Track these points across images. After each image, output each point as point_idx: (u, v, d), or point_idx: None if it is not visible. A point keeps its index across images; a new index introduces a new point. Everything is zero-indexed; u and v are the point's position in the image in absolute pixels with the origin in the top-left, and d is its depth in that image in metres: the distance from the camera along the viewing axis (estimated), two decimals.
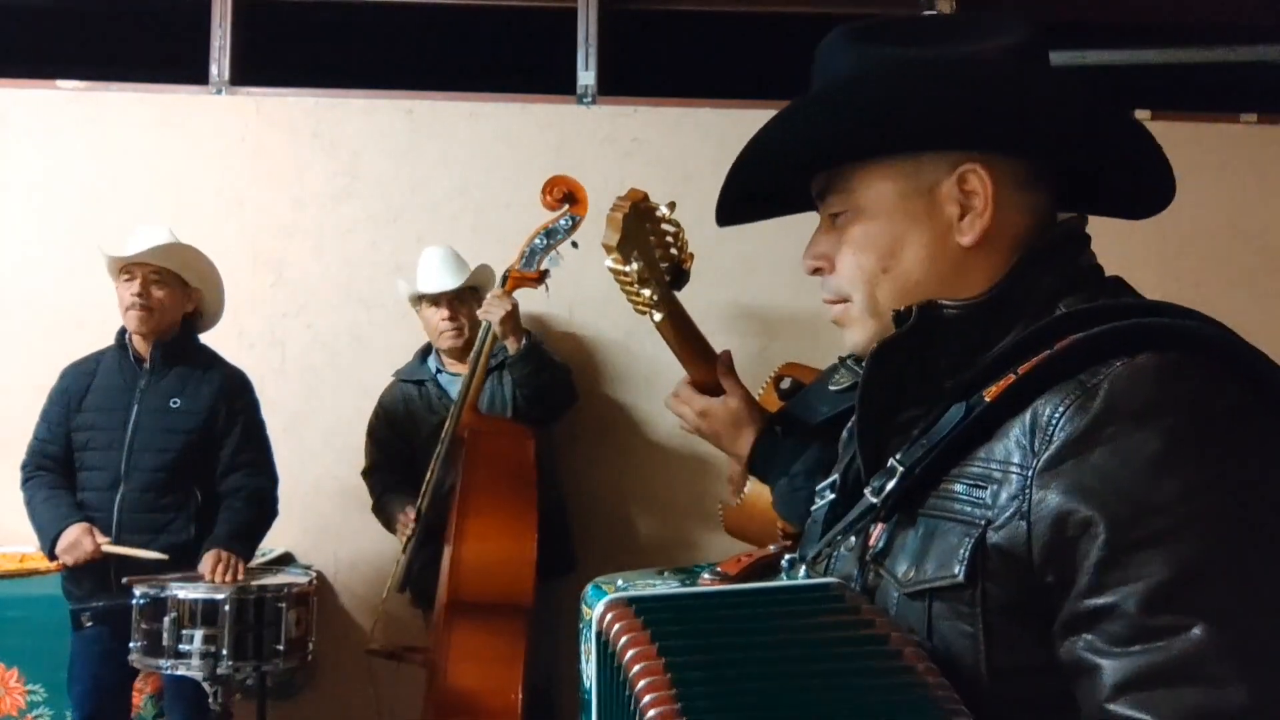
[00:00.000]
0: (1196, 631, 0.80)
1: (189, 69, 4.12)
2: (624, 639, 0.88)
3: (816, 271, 1.11)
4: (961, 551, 0.91)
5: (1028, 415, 0.91)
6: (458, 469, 3.33)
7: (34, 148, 4.07)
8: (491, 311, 3.33)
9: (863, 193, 1.05)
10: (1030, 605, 0.88)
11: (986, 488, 0.91)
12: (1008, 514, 0.89)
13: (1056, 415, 0.88)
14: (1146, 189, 1.10)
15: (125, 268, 3.26)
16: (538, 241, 3.36)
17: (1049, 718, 0.89)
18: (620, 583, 0.98)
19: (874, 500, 1.00)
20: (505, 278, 3.39)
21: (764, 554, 1.09)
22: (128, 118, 4.08)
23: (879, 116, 1.02)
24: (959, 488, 0.94)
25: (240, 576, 3.12)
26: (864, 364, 1.05)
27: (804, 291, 3.95)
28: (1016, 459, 0.90)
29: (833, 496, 1.14)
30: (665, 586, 0.99)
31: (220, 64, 4.12)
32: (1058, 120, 1.02)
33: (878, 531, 1.02)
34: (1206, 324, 0.93)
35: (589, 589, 0.97)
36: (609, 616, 0.92)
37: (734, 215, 1.23)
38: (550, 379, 3.52)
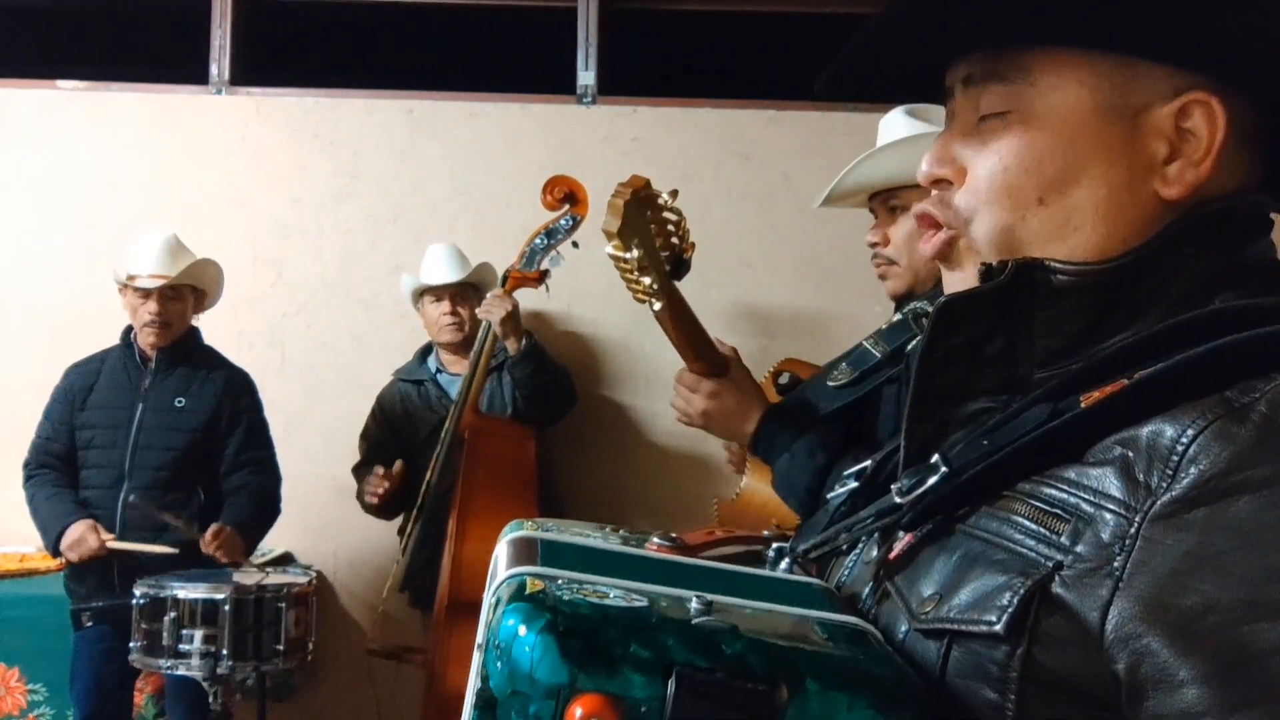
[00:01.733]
0: None
1: (189, 69, 4.13)
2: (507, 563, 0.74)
3: (938, 183, 0.83)
4: (1008, 596, 0.68)
5: (1143, 436, 0.67)
6: (458, 469, 3.33)
7: (34, 148, 4.07)
8: (492, 311, 3.33)
9: (1044, 92, 0.77)
10: (1084, 688, 0.66)
11: (1066, 521, 0.68)
12: (1090, 564, 0.65)
13: (1185, 440, 0.64)
14: None
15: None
16: (538, 241, 3.36)
17: None
18: (549, 525, 0.87)
19: (898, 500, 0.78)
20: (506, 278, 3.39)
21: (748, 535, 0.91)
22: (128, 118, 4.09)
23: None
24: (1023, 511, 0.71)
25: (240, 558, 3.15)
26: (928, 323, 0.80)
27: (804, 291, 3.97)
28: (1118, 492, 0.66)
29: (855, 485, 0.92)
30: (598, 541, 0.84)
31: (220, 64, 4.12)
32: None
33: (904, 543, 0.81)
34: None
35: (509, 525, 0.86)
36: (507, 549, 0.78)
37: (838, 88, 0.91)
38: (550, 381, 3.51)
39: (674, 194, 1.23)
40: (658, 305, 1.34)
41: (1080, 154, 0.76)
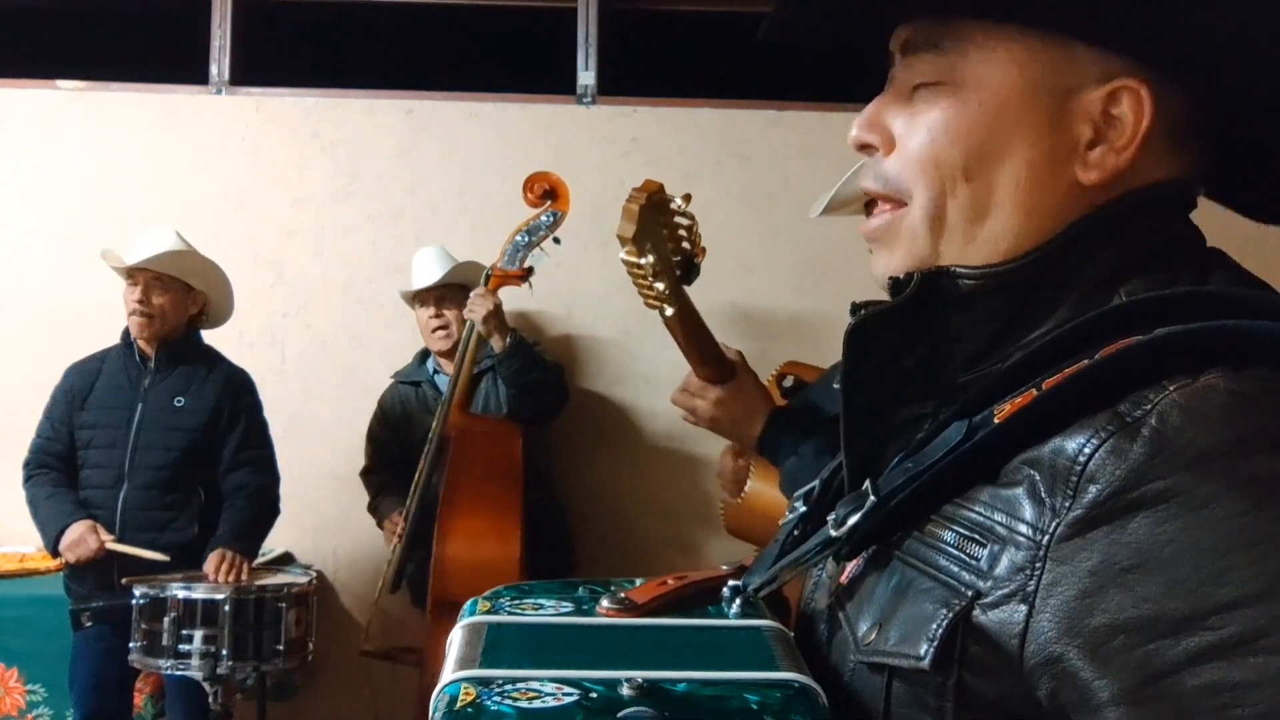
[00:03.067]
0: None
1: (189, 69, 4.12)
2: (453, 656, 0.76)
3: (865, 148, 0.83)
4: (934, 627, 0.68)
5: (1045, 455, 0.66)
6: (445, 468, 3.33)
7: (34, 148, 4.06)
8: (475, 310, 3.31)
9: (976, 65, 0.76)
10: (1016, 713, 0.66)
11: (985, 545, 0.68)
12: (1005, 591, 0.66)
13: (1082, 460, 0.64)
14: None
15: (128, 272, 3.26)
16: (520, 239, 3.35)
17: None
18: (504, 601, 0.89)
19: (833, 534, 0.77)
20: (488, 276, 3.38)
21: (702, 577, 0.90)
22: (128, 118, 4.08)
23: None
24: (948, 537, 0.71)
25: (245, 576, 3.13)
26: (844, 346, 0.81)
27: (804, 293, 3.97)
28: (1028, 515, 0.66)
29: (804, 509, 0.90)
30: (549, 612, 0.86)
31: (220, 64, 4.12)
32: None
33: (851, 566, 0.80)
34: None
35: (467, 606, 0.89)
36: (459, 638, 0.80)
37: (782, 30, 0.89)
38: (538, 378, 3.48)
39: (687, 198, 1.23)
40: (669, 311, 1.33)
41: (1005, 129, 0.75)
